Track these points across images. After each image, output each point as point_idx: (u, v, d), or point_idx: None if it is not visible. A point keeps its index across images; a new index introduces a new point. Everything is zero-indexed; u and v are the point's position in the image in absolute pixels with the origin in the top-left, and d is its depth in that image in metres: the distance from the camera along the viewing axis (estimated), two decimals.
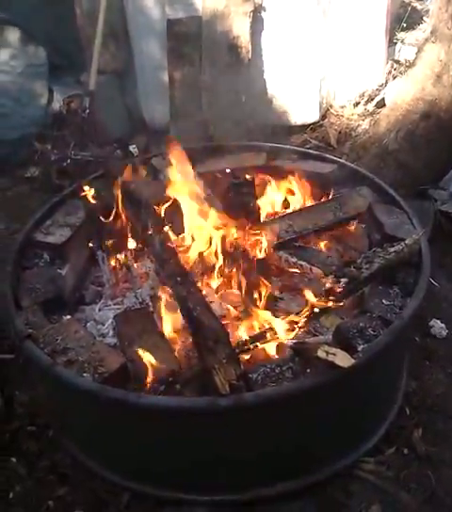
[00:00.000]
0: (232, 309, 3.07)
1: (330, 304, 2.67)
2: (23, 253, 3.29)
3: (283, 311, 3.03)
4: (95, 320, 3.15)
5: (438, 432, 2.92)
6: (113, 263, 3.43)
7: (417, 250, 3.01)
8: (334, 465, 2.70)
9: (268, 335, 2.69)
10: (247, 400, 2.36)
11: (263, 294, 3.05)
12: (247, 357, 2.68)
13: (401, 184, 4.10)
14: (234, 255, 3.13)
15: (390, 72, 6.06)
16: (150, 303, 3.15)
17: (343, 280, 2.77)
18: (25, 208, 4.44)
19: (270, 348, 2.74)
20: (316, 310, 2.66)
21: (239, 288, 3.10)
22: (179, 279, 2.90)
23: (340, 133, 5.65)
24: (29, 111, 5.59)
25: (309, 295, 2.68)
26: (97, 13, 5.36)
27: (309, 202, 3.73)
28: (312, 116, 5.78)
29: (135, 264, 3.45)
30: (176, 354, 2.73)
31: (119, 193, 3.49)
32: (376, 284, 2.92)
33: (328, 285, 2.73)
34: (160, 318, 2.95)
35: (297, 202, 3.76)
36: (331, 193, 3.75)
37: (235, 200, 3.25)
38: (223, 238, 3.18)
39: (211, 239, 3.23)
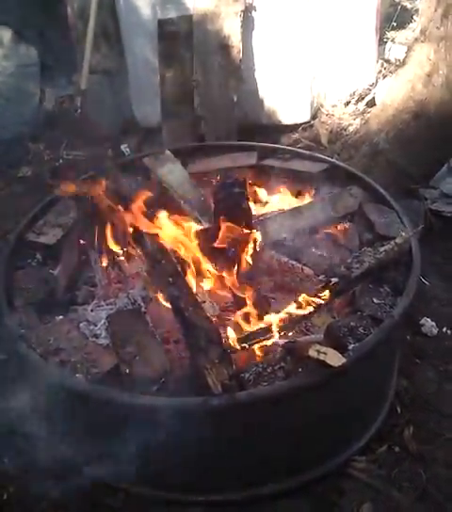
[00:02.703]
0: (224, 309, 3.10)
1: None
2: (15, 253, 3.28)
3: (275, 310, 3.04)
4: (88, 320, 3.14)
5: (429, 430, 2.94)
6: (105, 263, 3.43)
7: (407, 249, 3.04)
8: (327, 464, 2.72)
9: (260, 335, 2.71)
10: (239, 400, 2.37)
11: (254, 293, 3.05)
12: (239, 356, 2.69)
13: (392, 183, 4.11)
14: (226, 255, 3.13)
15: (380, 72, 6.09)
16: (142, 303, 3.16)
17: (333, 279, 2.79)
18: (18, 208, 4.43)
19: (262, 348, 2.75)
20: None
21: (231, 288, 3.10)
22: (171, 279, 2.91)
23: (331, 132, 5.66)
24: (21, 111, 5.59)
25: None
26: (88, 13, 5.37)
27: (300, 202, 3.74)
28: (303, 115, 5.79)
29: (127, 265, 3.45)
30: (169, 354, 2.74)
31: (110, 193, 3.49)
32: (366, 283, 2.94)
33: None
34: (152, 318, 2.96)
35: (288, 202, 3.78)
36: (322, 192, 3.77)
37: (227, 200, 3.26)
38: (214, 238, 3.18)
39: (202, 239, 3.24)
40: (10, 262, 3.21)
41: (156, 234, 3.21)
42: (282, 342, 2.67)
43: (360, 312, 2.77)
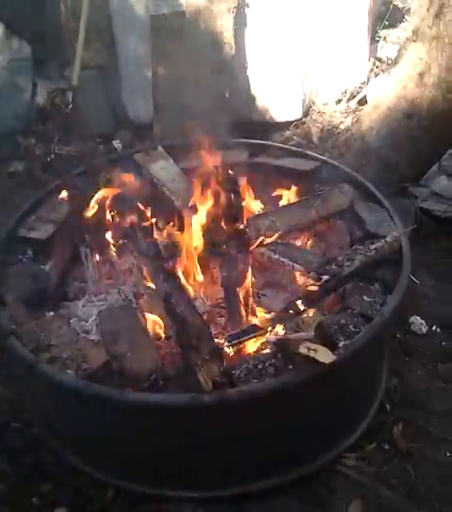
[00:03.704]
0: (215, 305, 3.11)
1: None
2: (6, 249, 3.27)
3: (266, 307, 3.06)
4: (78, 316, 3.15)
5: (418, 428, 2.95)
6: (96, 259, 3.43)
7: (398, 248, 3.05)
8: (316, 461, 2.72)
9: (251, 332, 2.72)
10: (230, 396, 2.38)
11: (246, 290, 3.06)
12: (229, 353, 2.70)
13: (383, 181, 4.12)
14: (218, 252, 3.14)
15: (372, 70, 6.08)
16: (133, 300, 3.16)
17: (324, 277, 2.80)
18: (9, 203, 4.42)
19: (253, 345, 2.76)
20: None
21: (222, 285, 3.11)
22: (162, 275, 2.91)
23: (322, 130, 5.67)
24: (13, 106, 5.57)
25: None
26: (81, 8, 5.35)
27: (291, 199, 3.75)
28: (294, 113, 5.79)
29: (118, 261, 3.45)
30: (159, 351, 2.74)
31: (102, 189, 3.50)
32: (357, 281, 2.95)
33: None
34: (143, 315, 2.96)
35: (279, 199, 3.79)
36: (314, 190, 3.77)
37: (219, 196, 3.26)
38: (206, 234, 3.19)
39: (194, 235, 3.25)
40: (1, 257, 3.20)
41: (150, 230, 3.21)
42: (272, 339, 2.67)
43: (350, 310, 2.78)
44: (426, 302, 3.74)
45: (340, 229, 3.54)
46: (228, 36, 5.33)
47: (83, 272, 3.47)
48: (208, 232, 3.18)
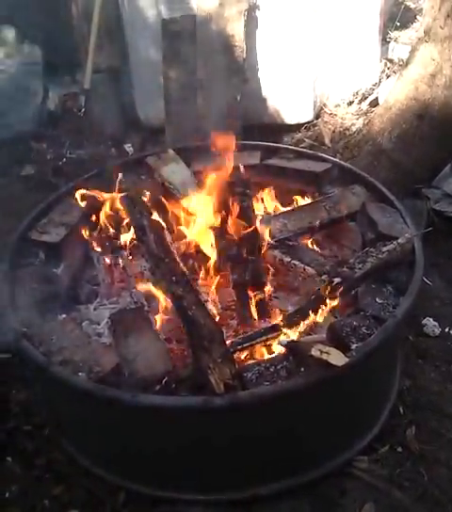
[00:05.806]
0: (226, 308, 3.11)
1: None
2: (18, 252, 3.28)
3: (278, 310, 3.05)
4: (90, 319, 3.14)
5: (431, 430, 2.93)
6: (108, 262, 3.43)
7: (410, 249, 3.03)
8: (328, 463, 2.71)
9: (263, 334, 2.71)
10: (241, 399, 2.38)
11: (257, 293, 3.06)
12: (241, 356, 2.70)
13: (395, 182, 4.11)
14: (229, 254, 3.13)
15: (383, 71, 6.09)
16: (145, 303, 3.16)
17: (336, 279, 2.79)
18: (21, 207, 4.43)
19: (265, 347, 2.76)
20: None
21: (234, 287, 3.11)
22: (174, 278, 2.91)
23: (334, 132, 5.66)
24: (24, 110, 5.59)
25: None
26: (92, 12, 5.37)
27: (303, 201, 3.74)
28: (306, 115, 5.79)
29: (130, 263, 3.45)
30: (171, 353, 2.74)
31: (114, 192, 3.50)
32: (369, 283, 2.93)
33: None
34: (155, 318, 2.96)
35: (290, 201, 3.78)
36: (325, 192, 3.76)
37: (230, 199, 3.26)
38: (218, 237, 3.19)
39: (206, 238, 3.25)
40: (14, 260, 3.21)
41: (161, 230, 3.21)
42: (284, 341, 2.67)
43: (363, 312, 2.76)
44: (438, 304, 3.72)
45: (352, 230, 3.52)
46: (239, 38, 5.33)
47: (95, 275, 3.47)
48: (220, 234, 3.18)
